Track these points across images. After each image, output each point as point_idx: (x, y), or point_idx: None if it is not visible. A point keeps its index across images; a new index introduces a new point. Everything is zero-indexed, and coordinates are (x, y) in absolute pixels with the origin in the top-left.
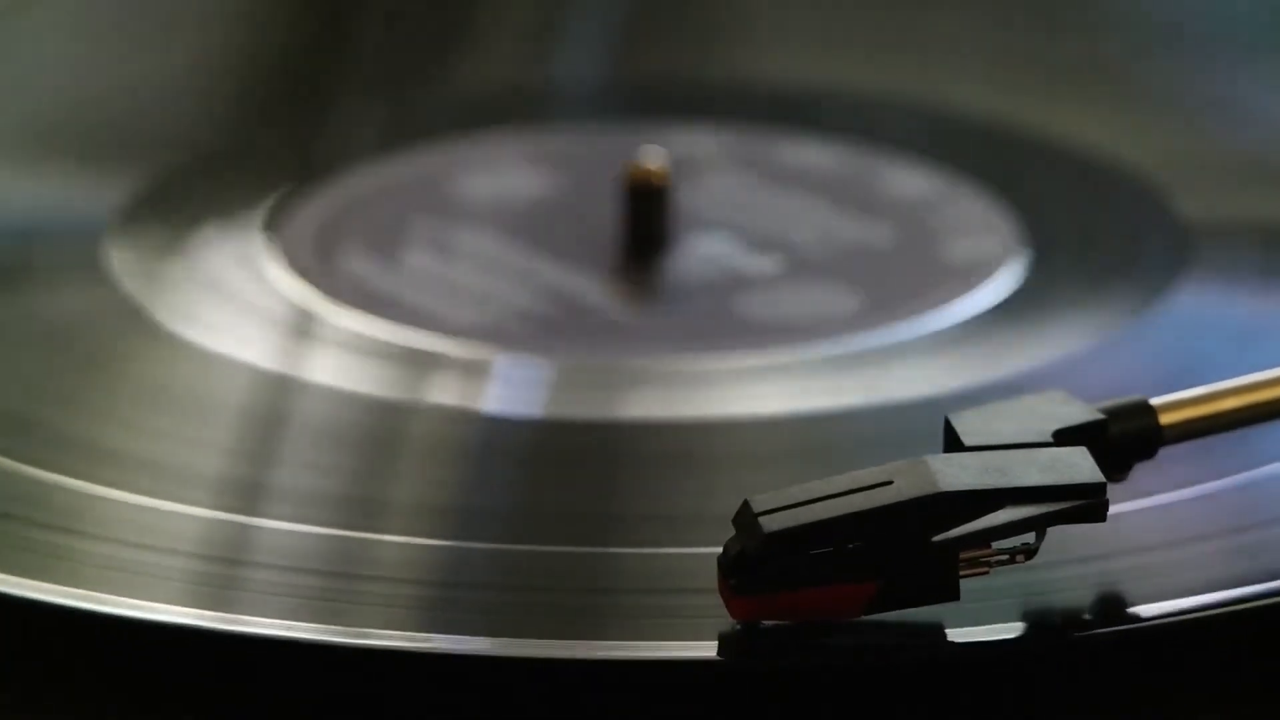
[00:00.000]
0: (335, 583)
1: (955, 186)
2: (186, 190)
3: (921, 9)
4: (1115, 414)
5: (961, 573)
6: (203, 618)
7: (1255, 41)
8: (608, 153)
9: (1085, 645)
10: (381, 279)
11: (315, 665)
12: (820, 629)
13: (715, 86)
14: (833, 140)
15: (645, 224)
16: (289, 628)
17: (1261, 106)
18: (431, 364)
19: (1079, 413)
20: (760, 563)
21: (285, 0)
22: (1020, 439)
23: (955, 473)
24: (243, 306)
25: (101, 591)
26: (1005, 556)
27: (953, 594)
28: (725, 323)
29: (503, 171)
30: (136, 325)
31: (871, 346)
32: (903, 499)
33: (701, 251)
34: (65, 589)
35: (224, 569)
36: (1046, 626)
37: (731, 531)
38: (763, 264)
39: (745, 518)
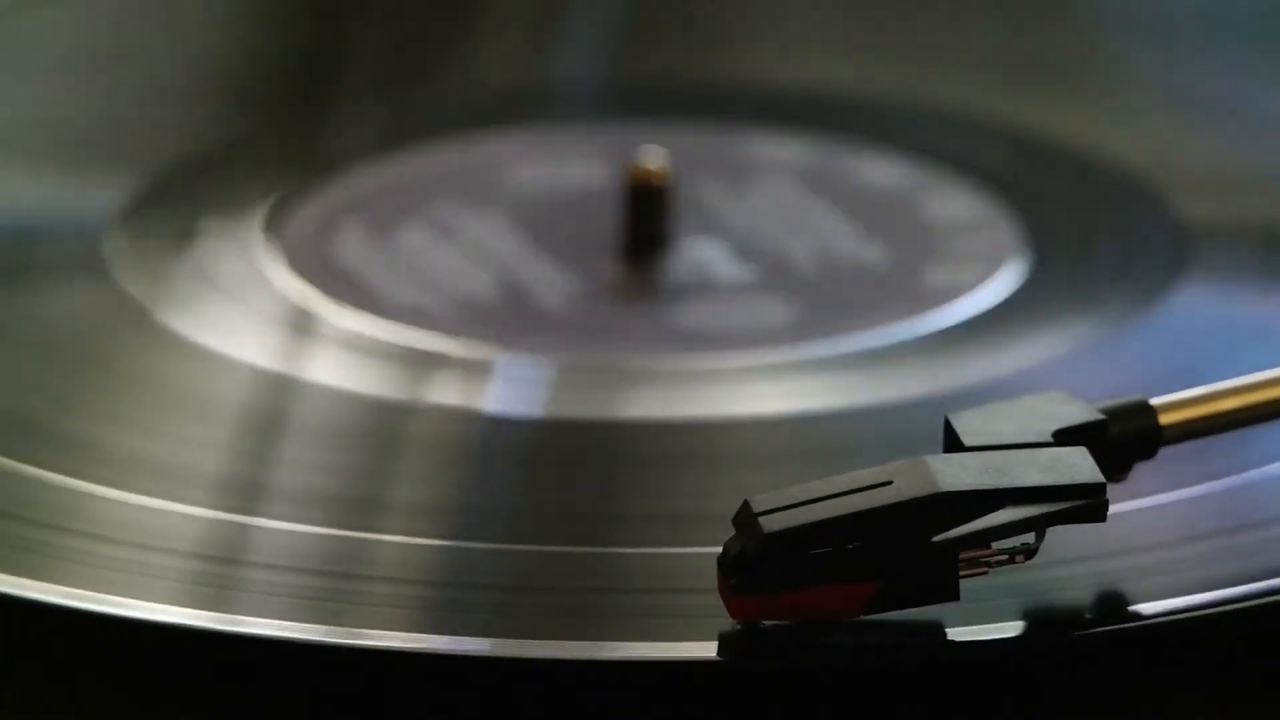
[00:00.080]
0: (335, 583)
1: (955, 186)
2: (187, 190)
3: (921, 9)
4: (1115, 414)
5: (961, 573)
6: (202, 618)
7: (1255, 41)
8: (608, 153)
9: (1085, 645)
10: (382, 279)
11: (314, 665)
12: (820, 629)
13: (715, 86)
14: (833, 140)
15: (645, 224)
16: (288, 628)
17: (1261, 106)
18: (431, 364)
19: (1079, 413)
20: (760, 563)
21: (286, 0)
22: (1020, 439)
23: (955, 473)
24: (243, 306)
25: (101, 591)
26: (1005, 556)
27: (952, 594)
28: (679, 329)
29: (503, 171)
30: (137, 325)
31: (871, 346)
32: (902, 499)
33: (692, 256)
34: (65, 589)
35: (223, 569)
36: (1046, 626)
37: (731, 531)
38: (743, 271)
39: (745, 518)
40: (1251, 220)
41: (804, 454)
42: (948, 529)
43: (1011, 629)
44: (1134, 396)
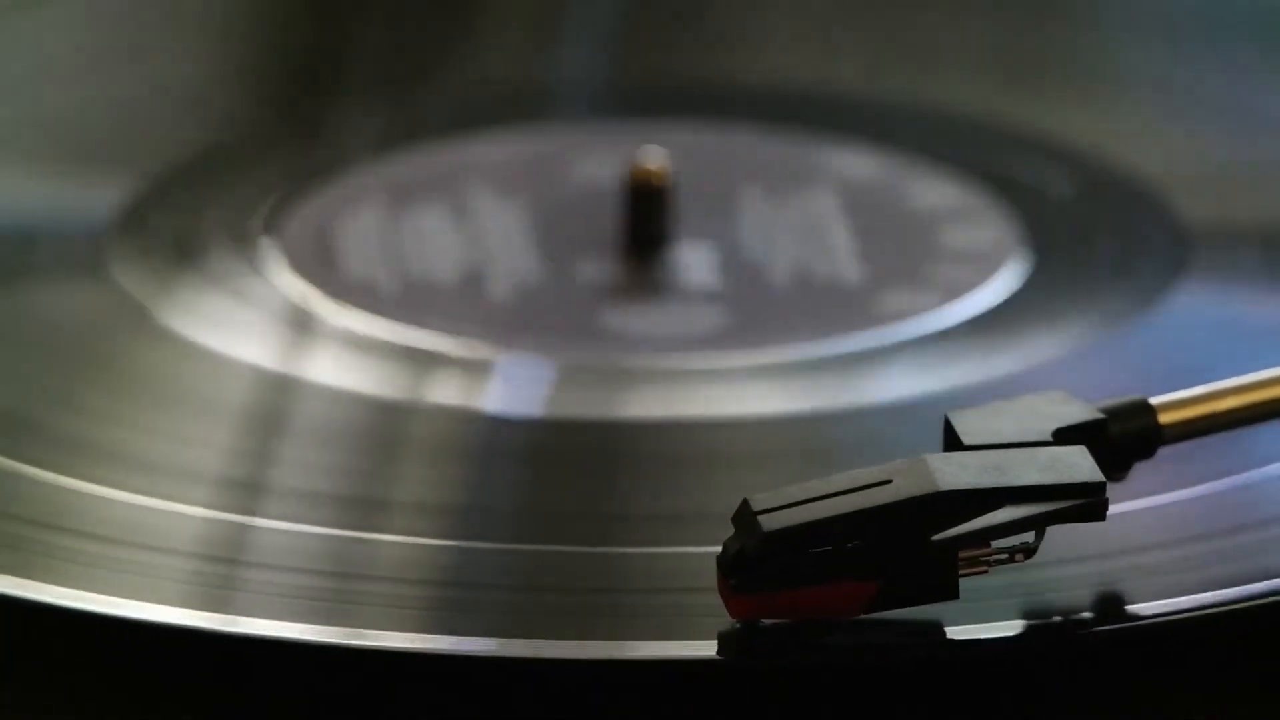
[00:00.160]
0: (334, 583)
1: (955, 186)
2: (187, 190)
3: (921, 8)
4: (1115, 413)
5: (961, 572)
6: (202, 618)
7: (1255, 41)
8: (608, 153)
9: (1085, 644)
10: (381, 278)
11: (313, 665)
12: (820, 628)
13: (715, 86)
14: (833, 140)
15: (645, 224)
16: (289, 628)
17: (1261, 107)
18: (432, 364)
19: (1079, 412)
20: (759, 561)
21: (286, 0)
22: (1020, 438)
23: (955, 472)
24: (243, 306)
25: (101, 592)
26: (1004, 555)
27: (952, 593)
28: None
29: (503, 171)
30: (137, 325)
31: (871, 347)
32: (902, 498)
33: (684, 260)
34: (65, 589)
35: (224, 569)
36: (1046, 625)
37: (731, 530)
38: (713, 277)
39: (744, 517)
40: (1251, 220)
41: (804, 454)
42: (947, 528)
43: (1011, 629)
44: (1134, 396)
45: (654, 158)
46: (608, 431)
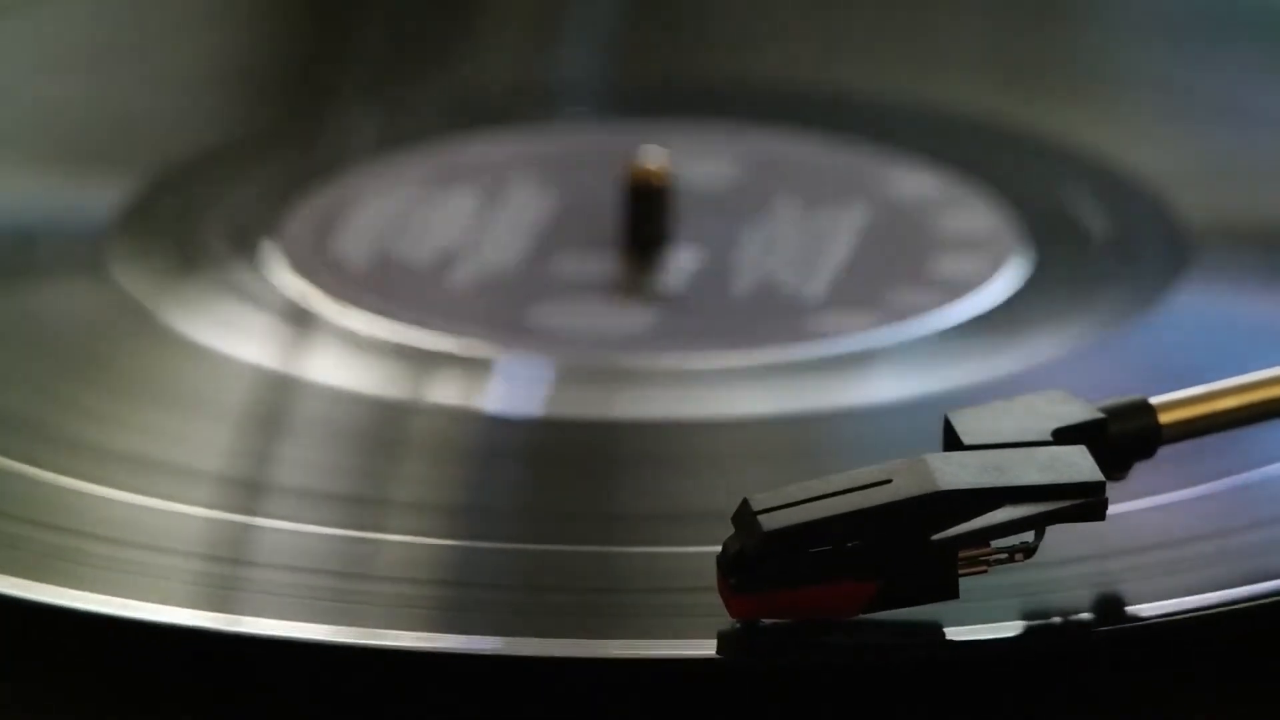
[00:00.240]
0: (334, 582)
1: (955, 186)
2: (187, 189)
3: (922, 8)
4: (1115, 413)
5: (960, 572)
6: (204, 618)
7: (1255, 41)
8: (608, 153)
9: (1085, 645)
10: (381, 278)
11: (316, 665)
12: (820, 628)
13: (715, 86)
14: (832, 140)
15: (645, 224)
16: (288, 627)
17: (1261, 106)
18: (432, 363)
19: (1079, 412)
20: (759, 561)
21: (286, 1)
22: (1020, 438)
23: (954, 471)
24: (243, 306)
25: (101, 592)
26: (1004, 555)
27: (952, 593)
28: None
29: (503, 171)
30: (137, 325)
31: (870, 347)
32: (902, 498)
33: (678, 263)
34: (65, 589)
35: (225, 569)
36: (1046, 626)
37: (731, 530)
38: (681, 277)
39: (744, 516)
40: (1251, 220)
41: (803, 454)
42: (947, 528)
43: (1011, 629)
44: (1133, 396)
45: (654, 158)
46: (608, 431)
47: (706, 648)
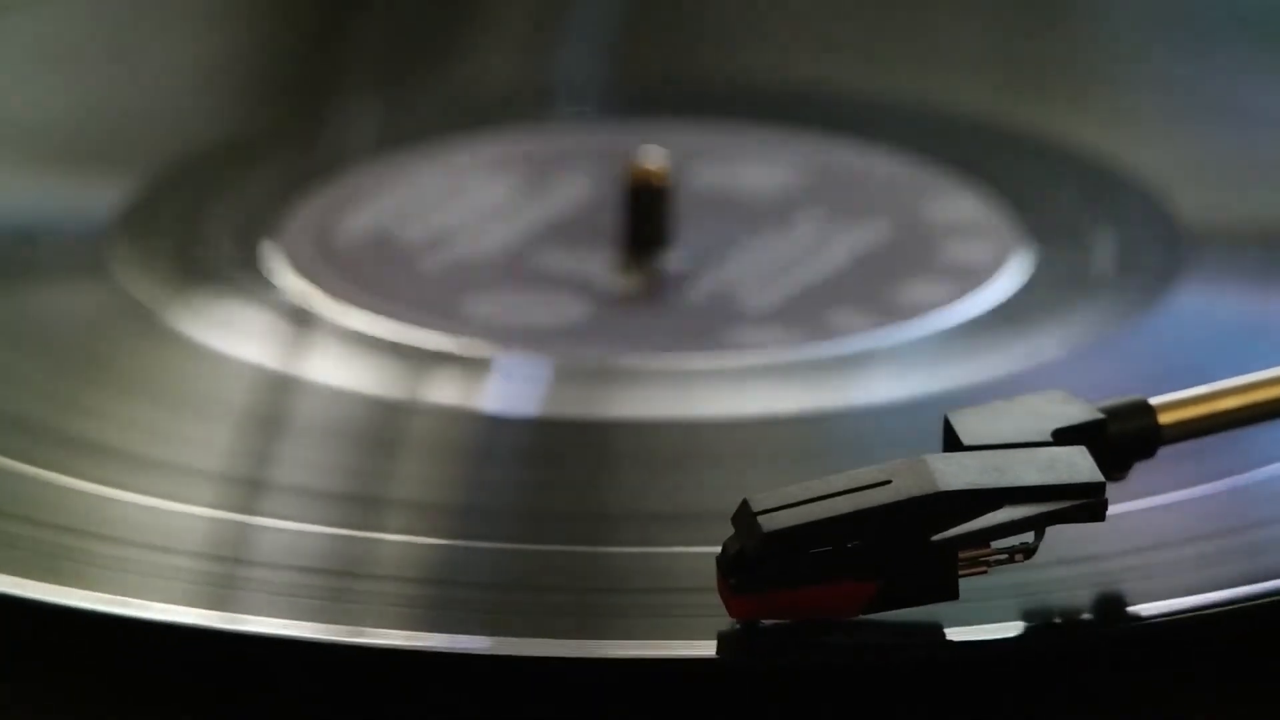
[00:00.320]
0: (333, 581)
1: (955, 186)
2: (187, 189)
3: (921, 8)
4: (1115, 414)
5: (961, 572)
6: (204, 617)
7: (1255, 42)
8: (608, 153)
9: (1084, 645)
10: (381, 278)
11: (315, 665)
12: (819, 628)
13: (715, 86)
14: (832, 139)
15: (645, 223)
16: (289, 627)
17: (1261, 106)
18: (431, 363)
19: (1078, 412)
20: (759, 562)
21: (286, 1)
22: (1020, 438)
23: (954, 472)
24: (243, 305)
25: (102, 591)
26: (1004, 556)
27: (952, 593)
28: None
29: (503, 171)
30: (137, 325)
31: (871, 347)
32: (901, 498)
33: (672, 266)
34: (66, 589)
35: (224, 568)
36: (1046, 626)
37: (730, 531)
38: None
39: (744, 517)
40: (1251, 220)
41: (804, 454)
42: (947, 528)
43: (1011, 629)
44: (1133, 396)
45: (654, 158)
46: (607, 431)
47: (706, 648)
